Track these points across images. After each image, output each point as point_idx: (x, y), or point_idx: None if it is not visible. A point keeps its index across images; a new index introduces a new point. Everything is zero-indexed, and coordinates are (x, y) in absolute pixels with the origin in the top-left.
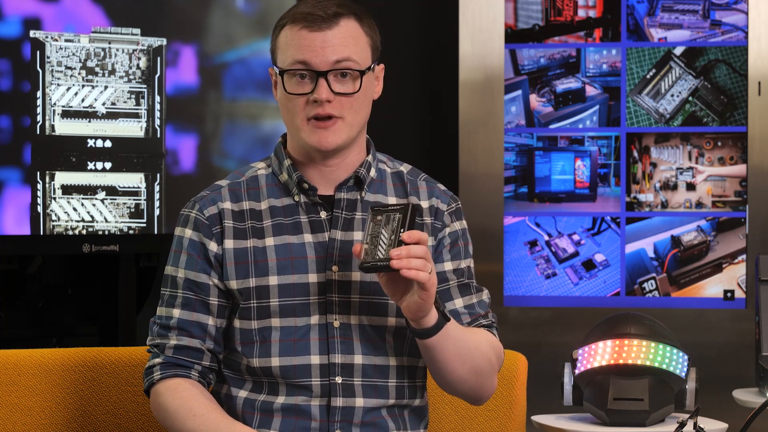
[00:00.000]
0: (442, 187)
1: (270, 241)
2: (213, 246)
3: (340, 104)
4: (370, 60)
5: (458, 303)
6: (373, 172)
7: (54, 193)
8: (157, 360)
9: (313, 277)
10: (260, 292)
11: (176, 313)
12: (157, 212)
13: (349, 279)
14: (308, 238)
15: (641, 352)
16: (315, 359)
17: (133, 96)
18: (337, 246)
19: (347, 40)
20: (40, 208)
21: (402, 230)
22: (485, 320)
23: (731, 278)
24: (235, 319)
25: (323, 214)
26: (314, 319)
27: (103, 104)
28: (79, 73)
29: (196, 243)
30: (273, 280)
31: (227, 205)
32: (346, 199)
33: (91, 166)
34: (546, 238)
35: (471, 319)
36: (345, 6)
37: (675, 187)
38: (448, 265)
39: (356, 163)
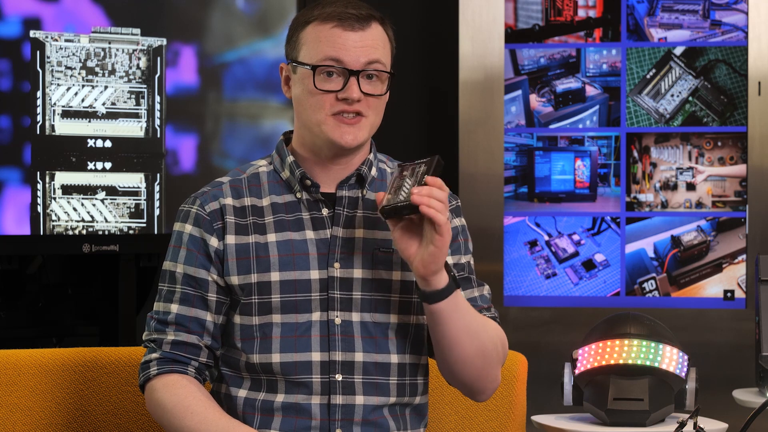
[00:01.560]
0: None
1: (272, 237)
2: (214, 241)
3: (366, 104)
4: (390, 65)
5: None
6: (374, 171)
7: (54, 193)
8: (154, 355)
9: (314, 274)
10: (262, 288)
11: (174, 308)
12: (157, 212)
13: (351, 276)
14: (310, 234)
15: (641, 352)
16: (316, 356)
17: (133, 96)
18: (339, 243)
19: (378, 43)
20: (40, 208)
21: (426, 176)
22: (488, 313)
23: (731, 278)
24: (236, 315)
25: (325, 211)
26: (316, 316)
27: (103, 104)
28: (79, 73)
29: (196, 238)
30: (275, 276)
31: (229, 200)
32: (347, 197)
33: (91, 166)
34: (546, 238)
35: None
36: (373, 9)
37: (675, 187)
38: (449, 260)
39: (359, 164)
